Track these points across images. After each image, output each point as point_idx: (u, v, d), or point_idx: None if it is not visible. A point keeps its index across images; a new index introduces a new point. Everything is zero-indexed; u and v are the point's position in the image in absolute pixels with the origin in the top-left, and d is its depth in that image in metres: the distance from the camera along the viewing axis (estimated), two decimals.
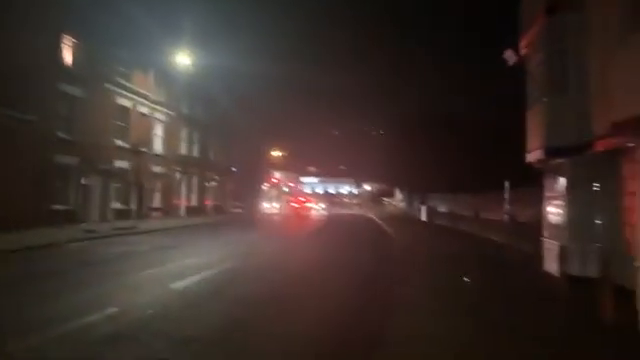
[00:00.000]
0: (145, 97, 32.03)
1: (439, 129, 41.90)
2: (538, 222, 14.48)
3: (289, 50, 77.53)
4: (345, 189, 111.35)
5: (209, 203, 45.16)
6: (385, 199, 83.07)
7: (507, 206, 18.16)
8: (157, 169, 34.44)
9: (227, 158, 49.94)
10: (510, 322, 8.10)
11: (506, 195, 18.02)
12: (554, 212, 13.07)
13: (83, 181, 26.13)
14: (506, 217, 18.34)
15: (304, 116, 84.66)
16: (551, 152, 12.12)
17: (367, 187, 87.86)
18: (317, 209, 70.26)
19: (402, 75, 71.17)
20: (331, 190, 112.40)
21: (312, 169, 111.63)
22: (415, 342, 6.90)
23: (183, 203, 39.33)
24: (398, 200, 76.45)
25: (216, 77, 39.40)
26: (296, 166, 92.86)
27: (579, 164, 11.86)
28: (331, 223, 39.56)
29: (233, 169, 50.67)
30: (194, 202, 41.77)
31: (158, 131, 35.10)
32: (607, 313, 8.29)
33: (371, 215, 54.47)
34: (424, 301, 9.53)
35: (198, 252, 16.64)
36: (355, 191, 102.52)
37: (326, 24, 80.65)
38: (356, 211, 72.97)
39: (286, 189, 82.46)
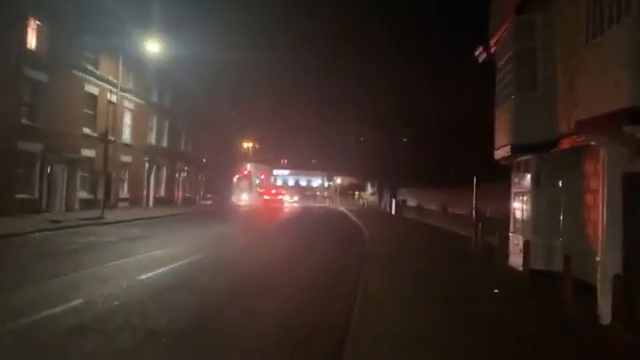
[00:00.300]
0: (113, 84, 31.41)
1: (409, 126, 42.55)
2: (505, 217, 14.79)
3: (262, 39, 77.37)
4: (317, 182, 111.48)
5: (178, 194, 44.71)
6: (356, 193, 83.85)
7: (475, 201, 18.48)
8: (125, 158, 33.91)
9: (198, 149, 49.50)
10: (471, 311, 8.30)
11: (474, 190, 18.33)
12: (520, 207, 13.38)
13: (48, 170, 25.54)
14: (473, 211, 18.66)
15: (277, 108, 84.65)
16: (518, 149, 12.37)
17: (339, 180, 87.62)
18: (289, 201, 70.92)
19: (374, 70, 71.43)
20: (303, 183, 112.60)
21: (284, 161, 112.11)
22: (383, 325, 6.98)
23: (152, 194, 38.84)
24: (369, 194, 77.77)
25: (187, 65, 38.97)
26: (268, 158, 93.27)
27: (545, 161, 12.15)
28: (302, 215, 39.82)
29: (204, 160, 50.22)
30: (163, 193, 41.31)
31: (127, 119, 34.53)
32: (568, 306, 8.55)
33: (342, 208, 55.00)
34: (393, 290, 9.67)
35: (166, 244, 16.51)
36: (327, 184, 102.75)
37: (301, 12, 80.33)
38: (327, 204, 73.62)
39: (257, 181, 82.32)
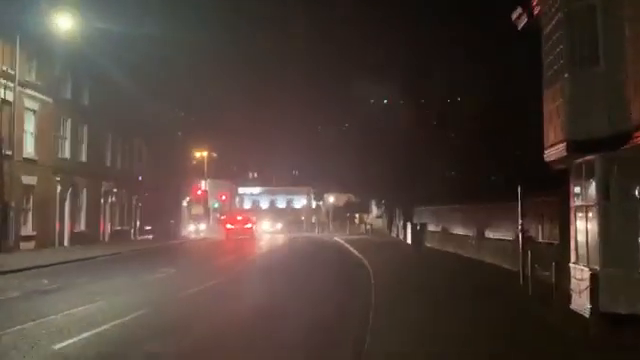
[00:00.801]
0: (8, 76, 31.30)
1: (428, 123, 42.84)
2: (564, 242, 14.81)
3: (222, 17, 77.68)
4: (300, 202, 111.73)
5: (105, 227, 44.45)
6: (356, 215, 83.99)
7: (520, 220, 18.59)
8: (28, 179, 33.69)
9: (131, 163, 49.39)
10: None
11: (519, 206, 18.43)
12: (583, 228, 13.39)
13: None
14: (519, 235, 18.76)
15: (242, 107, 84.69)
16: (576, 147, 12.37)
17: (331, 199, 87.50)
18: (265, 231, 71.40)
19: (374, 49, 70.92)
20: (281, 204, 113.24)
21: (253, 175, 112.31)
22: None
23: (67, 228, 38.56)
24: (374, 216, 77.66)
25: (113, 49, 38.75)
26: (231, 172, 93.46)
27: (614, 162, 12.13)
28: (280, 253, 39.74)
29: (139, 178, 50.01)
30: (83, 226, 41.04)
31: (29, 125, 34.30)
32: None
33: (337, 238, 54.71)
34: None
35: (88, 299, 16.28)
36: (314, 204, 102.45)
37: None
38: (317, 232, 73.13)
39: (217, 204, 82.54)
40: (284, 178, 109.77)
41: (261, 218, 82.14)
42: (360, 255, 32.69)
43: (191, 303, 16.51)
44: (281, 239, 57.92)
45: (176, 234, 57.70)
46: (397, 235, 52.47)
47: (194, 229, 67.55)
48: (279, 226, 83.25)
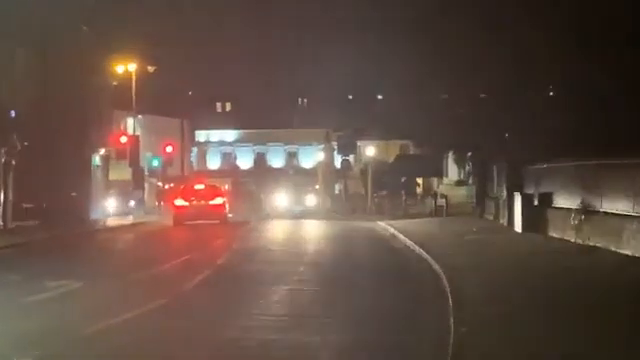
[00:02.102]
0: None
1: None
2: None
3: None
4: (312, 156, 70.90)
5: None
6: (419, 182, 56.63)
7: None
8: None
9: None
10: None
11: None
12: None
13: None
14: None
15: None
16: None
17: (370, 151, 53.95)
18: (257, 217, 44.02)
19: None
20: (276, 159, 78.43)
21: (224, 109, 75.09)
22: None
23: None
24: (450, 182, 53.34)
25: None
26: (185, 103, 60.98)
27: None
28: (270, 255, 25.61)
29: (12, 113, 34.32)
30: None
31: None
32: None
33: (385, 224, 35.46)
34: None
35: None
36: (340, 158, 55.12)
37: None
38: (343, 215, 46.05)
39: (156, 161, 52.59)
40: (280, 112, 71.10)
41: (242, 188, 58.90)
42: (430, 257, 20.74)
43: (104, 350, 10.75)
44: (280, 227, 38.69)
45: (83, 217, 38.61)
46: (496, 217, 33.29)
47: (116, 207, 46.14)
48: (298, 209, 50.99)
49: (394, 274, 19.29)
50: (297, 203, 52.75)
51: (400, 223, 33.80)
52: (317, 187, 58.86)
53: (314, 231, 34.63)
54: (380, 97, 59.18)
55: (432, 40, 34.21)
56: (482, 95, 36.07)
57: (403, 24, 38.94)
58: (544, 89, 32.61)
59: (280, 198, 54.37)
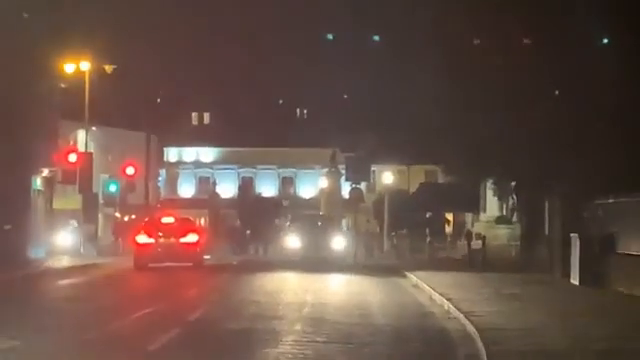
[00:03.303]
0: None
1: None
2: None
3: None
4: (313, 182, 62.36)
5: None
6: (448, 218, 51.51)
7: None
8: None
9: None
10: None
11: None
12: None
13: None
14: None
15: None
16: None
17: (387, 178, 49.30)
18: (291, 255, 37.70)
19: None
20: (267, 185, 66.39)
21: (202, 121, 68.48)
22: None
23: None
24: (491, 219, 45.50)
25: None
26: (152, 112, 54.20)
27: None
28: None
29: None
30: None
31: None
32: None
33: (411, 275, 28.55)
34: None
35: None
36: (350, 186, 47.14)
37: None
38: (356, 257, 38.80)
39: (114, 186, 45.77)
40: (273, 126, 61.09)
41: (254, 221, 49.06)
42: None
43: None
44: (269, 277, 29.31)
45: (19, 256, 33.76)
46: (551, 263, 28.63)
47: (64, 243, 41.41)
48: (296, 240, 39.82)
49: None
50: (317, 246, 38.30)
51: (439, 279, 25.87)
52: (319, 224, 43.46)
53: (300, 294, 23.34)
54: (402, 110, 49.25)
55: None
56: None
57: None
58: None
59: (292, 239, 40.50)
